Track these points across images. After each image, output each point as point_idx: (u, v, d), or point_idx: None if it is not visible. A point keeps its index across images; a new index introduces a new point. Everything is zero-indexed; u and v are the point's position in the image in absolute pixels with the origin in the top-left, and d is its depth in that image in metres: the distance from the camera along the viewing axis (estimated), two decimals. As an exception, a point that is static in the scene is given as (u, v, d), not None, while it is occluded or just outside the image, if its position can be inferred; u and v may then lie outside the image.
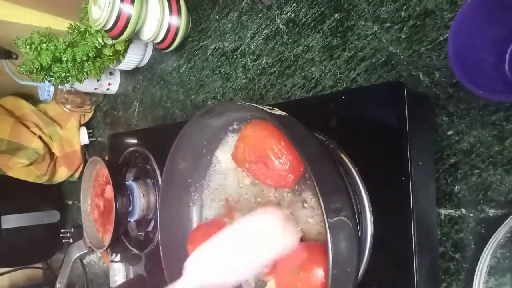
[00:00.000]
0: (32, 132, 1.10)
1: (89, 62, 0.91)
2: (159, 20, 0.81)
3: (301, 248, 0.43)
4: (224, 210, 0.55)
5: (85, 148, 1.21)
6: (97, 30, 0.85)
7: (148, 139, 0.84)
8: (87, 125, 1.21)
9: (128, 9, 0.77)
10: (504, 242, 0.42)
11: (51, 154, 1.15)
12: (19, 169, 1.11)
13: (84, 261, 1.20)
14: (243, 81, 0.75)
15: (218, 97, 0.80)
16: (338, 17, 0.60)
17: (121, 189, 0.77)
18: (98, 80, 1.05)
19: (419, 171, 0.44)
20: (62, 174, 1.19)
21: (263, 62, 0.71)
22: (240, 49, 0.76)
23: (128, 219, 0.80)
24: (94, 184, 0.88)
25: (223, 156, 0.56)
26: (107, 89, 1.09)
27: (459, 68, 0.41)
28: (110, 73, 1.08)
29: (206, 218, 0.58)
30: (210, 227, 0.51)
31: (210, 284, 0.42)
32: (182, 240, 0.54)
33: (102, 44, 0.87)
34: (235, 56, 0.77)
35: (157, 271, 0.51)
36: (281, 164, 0.43)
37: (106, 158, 0.94)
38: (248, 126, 0.48)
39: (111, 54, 0.90)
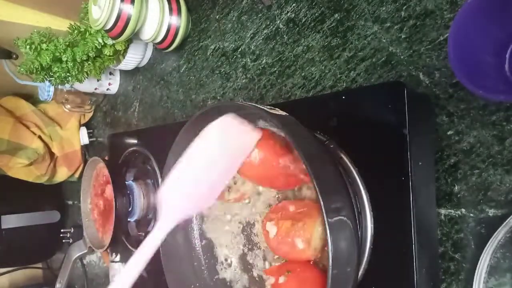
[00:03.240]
0: (32, 132, 1.10)
1: (89, 62, 0.91)
2: (159, 20, 0.81)
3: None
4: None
5: (85, 148, 1.21)
6: (97, 30, 0.85)
7: (148, 139, 0.84)
8: (87, 125, 1.21)
9: (128, 9, 0.77)
10: (504, 242, 0.42)
11: (51, 154, 1.15)
12: (19, 169, 1.11)
13: (84, 261, 1.20)
14: (243, 81, 0.75)
15: (218, 97, 0.80)
16: (338, 17, 0.60)
17: (121, 189, 0.77)
18: (98, 80, 1.05)
19: (419, 171, 0.44)
20: (62, 174, 1.19)
21: (263, 62, 0.71)
22: (240, 49, 0.76)
23: (128, 219, 0.80)
24: (94, 184, 0.88)
25: None
26: (107, 89, 1.09)
27: (459, 68, 0.41)
28: (110, 73, 1.08)
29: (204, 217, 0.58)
30: None
31: (189, 205, 0.43)
32: (181, 240, 0.54)
33: (102, 44, 0.87)
34: (235, 56, 0.77)
35: (157, 271, 0.51)
36: None
37: (106, 158, 0.94)
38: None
39: (111, 54, 0.90)
